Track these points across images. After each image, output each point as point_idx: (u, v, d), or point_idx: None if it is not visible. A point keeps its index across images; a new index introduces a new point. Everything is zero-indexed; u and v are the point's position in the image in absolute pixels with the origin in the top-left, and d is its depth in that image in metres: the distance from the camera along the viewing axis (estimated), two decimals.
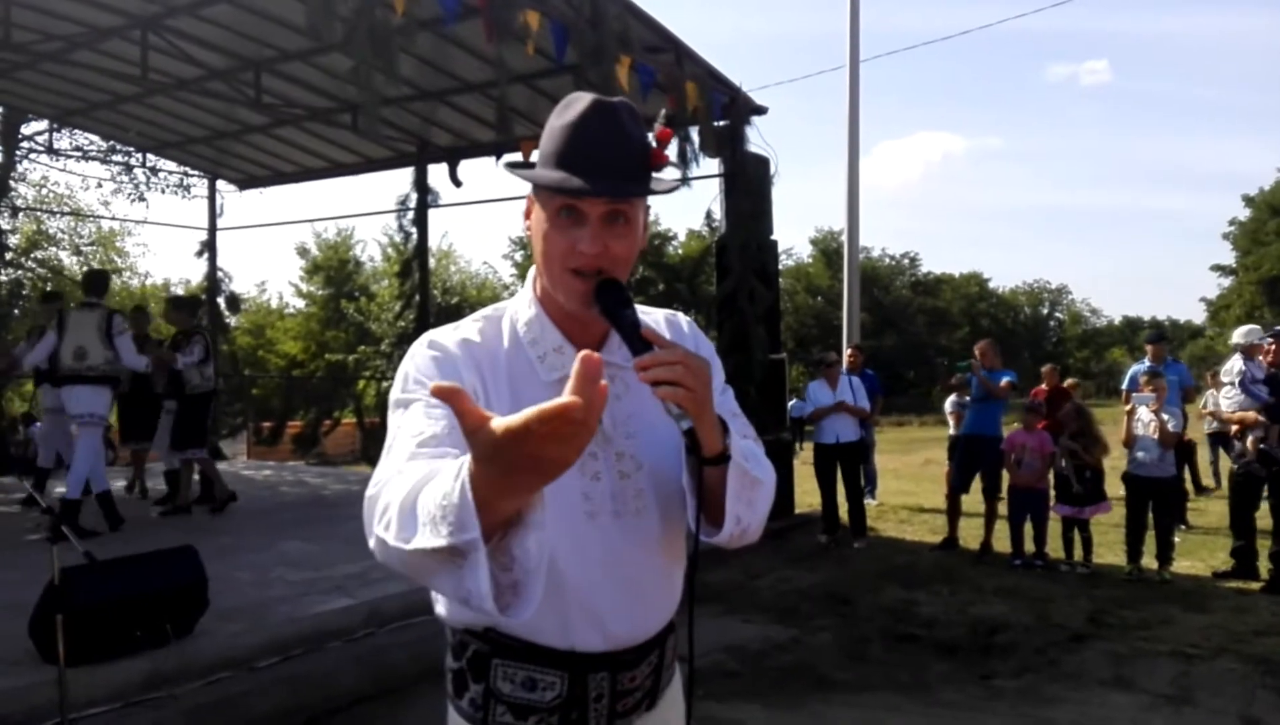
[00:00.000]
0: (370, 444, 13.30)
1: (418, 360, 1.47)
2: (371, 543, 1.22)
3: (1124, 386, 9.83)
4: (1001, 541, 8.22)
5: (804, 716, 4.65)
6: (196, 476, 8.73)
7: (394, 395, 1.45)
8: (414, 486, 1.15)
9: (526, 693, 1.49)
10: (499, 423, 0.97)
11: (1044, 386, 10.17)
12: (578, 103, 1.46)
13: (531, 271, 1.55)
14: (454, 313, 26.99)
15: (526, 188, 1.51)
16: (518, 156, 10.45)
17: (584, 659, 1.50)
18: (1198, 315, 54.47)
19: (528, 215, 1.51)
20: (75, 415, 7.42)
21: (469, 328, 1.53)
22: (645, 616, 1.56)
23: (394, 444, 1.35)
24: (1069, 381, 13.44)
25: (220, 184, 13.37)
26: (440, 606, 1.56)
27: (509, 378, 1.48)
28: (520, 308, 1.54)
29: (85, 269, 24.11)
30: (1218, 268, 45.98)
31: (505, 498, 1.04)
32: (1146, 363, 9.26)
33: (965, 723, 4.57)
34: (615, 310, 1.43)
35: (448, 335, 1.51)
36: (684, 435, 1.37)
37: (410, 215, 12.09)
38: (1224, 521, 9.74)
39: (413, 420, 1.36)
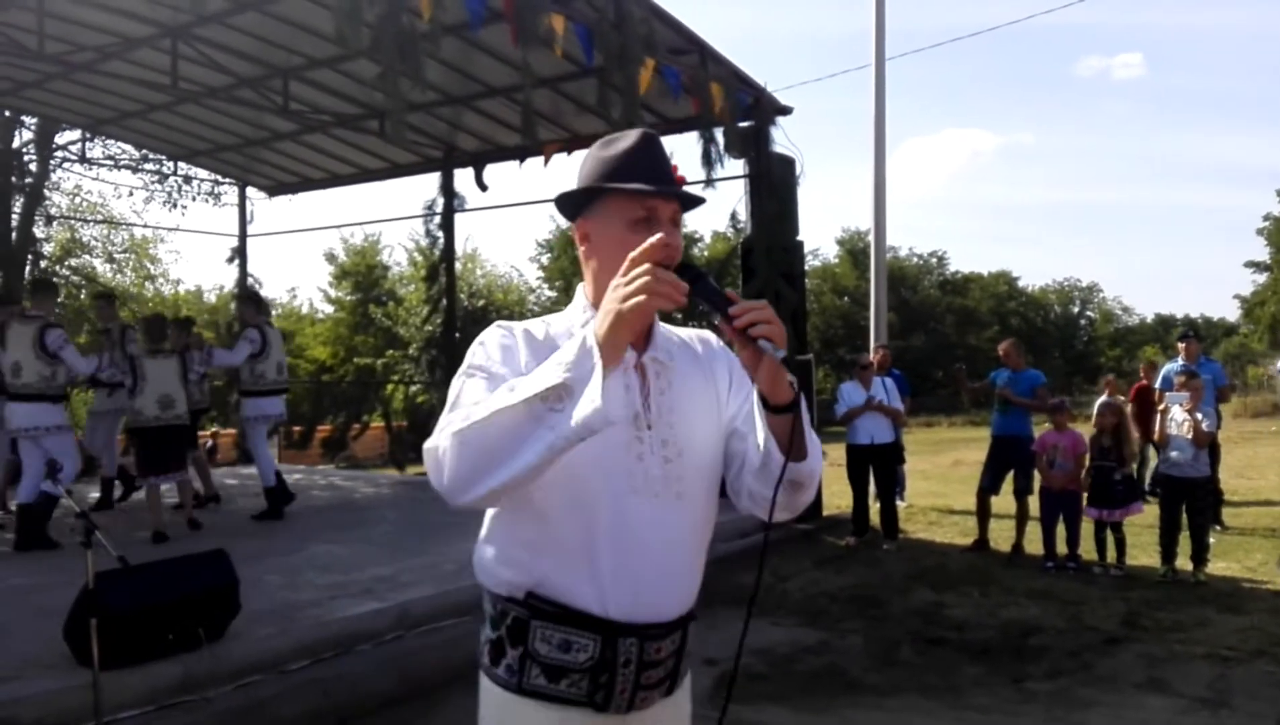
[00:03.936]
0: (398, 447, 13.36)
1: (487, 341, 1.69)
2: (437, 445, 1.50)
3: (1157, 385, 9.71)
4: (1033, 543, 8.14)
5: (832, 720, 4.63)
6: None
7: (464, 364, 1.66)
8: (494, 393, 1.49)
9: (561, 654, 1.64)
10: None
11: (1144, 381, 10.92)
12: (627, 135, 1.71)
13: (580, 288, 1.78)
14: (480, 316, 27.19)
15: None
16: (535, 161, 10.50)
17: (616, 625, 1.65)
18: (1231, 312, 53.66)
19: (585, 238, 1.72)
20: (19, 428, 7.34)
21: (533, 322, 1.74)
22: (673, 593, 1.72)
23: (455, 405, 1.58)
24: (1109, 377, 13.40)
25: (250, 191, 13.51)
26: (486, 575, 1.73)
27: None
28: (574, 315, 1.75)
29: (119, 276, 24.50)
30: (1252, 264, 45.23)
31: (611, 340, 1.40)
32: (1180, 362, 9.14)
33: None
34: (699, 280, 1.57)
35: (515, 323, 1.72)
36: (780, 364, 1.57)
37: (437, 220, 12.17)
38: (1260, 522, 9.63)
39: (473, 389, 1.58)
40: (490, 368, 1.62)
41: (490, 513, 1.76)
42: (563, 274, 36.93)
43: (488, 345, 1.67)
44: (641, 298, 1.39)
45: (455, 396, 1.60)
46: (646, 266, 1.42)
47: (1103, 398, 9.32)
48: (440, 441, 1.50)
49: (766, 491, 1.69)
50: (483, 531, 1.77)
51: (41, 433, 7.23)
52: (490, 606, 1.73)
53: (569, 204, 1.74)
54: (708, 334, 1.89)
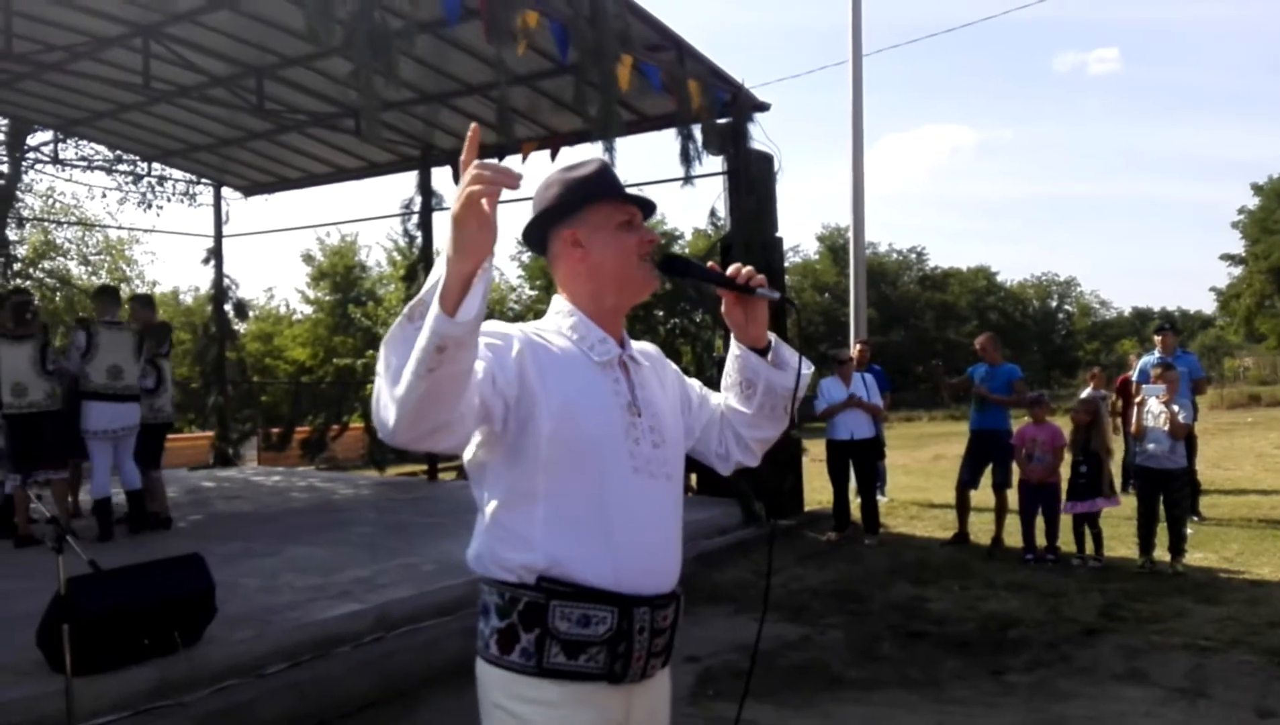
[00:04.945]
0: (378, 448, 13.28)
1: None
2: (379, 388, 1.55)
3: (1134, 378, 9.78)
4: (1013, 536, 8.18)
5: (815, 715, 4.62)
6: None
7: None
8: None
9: (581, 629, 1.73)
10: None
11: (1129, 373, 10.63)
12: (590, 161, 1.95)
13: (557, 298, 1.93)
14: None
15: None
16: (519, 158, 10.46)
17: (629, 597, 1.77)
18: (1208, 305, 54.20)
19: (577, 242, 1.87)
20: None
21: (517, 326, 1.82)
22: (670, 565, 1.88)
23: None
24: (1095, 370, 13.63)
25: (225, 191, 13.39)
26: (492, 564, 1.78)
27: (561, 365, 1.79)
28: (559, 319, 1.90)
29: (94, 278, 24.23)
30: (1227, 257, 45.69)
31: (455, 243, 1.43)
32: (1156, 354, 9.21)
33: (977, 719, 4.54)
34: (688, 266, 1.96)
35: (499, 323, 1.78)
36: (782, 300, 1.98)
37: (415, 219, 12.08)
38: (1236, 512, 9.71)
39: None
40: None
41: (493, 502, 1.79)
42: (543, 272, 36.79)
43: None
44: (472, 189, 1.42)
45: None
46: (473, 164, 1.46)
47: (1086, 391, 9.37)
48: (385, 407, 1.55)
49: (760, 432, 2.03)
50: (484, 523, 1.82)
51: (129, 432, 7.71)
52: (497, 597, 1.77)
53: (556, 213, 1.89)
54: (652, 346, 2.09)
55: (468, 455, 1.81)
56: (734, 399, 2.03)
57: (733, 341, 2.00)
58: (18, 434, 7.29)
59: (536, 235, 1.94)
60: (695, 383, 2.13)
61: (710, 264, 1.96)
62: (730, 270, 1.91)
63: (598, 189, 1.89)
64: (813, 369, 2.03)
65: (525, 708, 1.75)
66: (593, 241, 1.88)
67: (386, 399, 1.51)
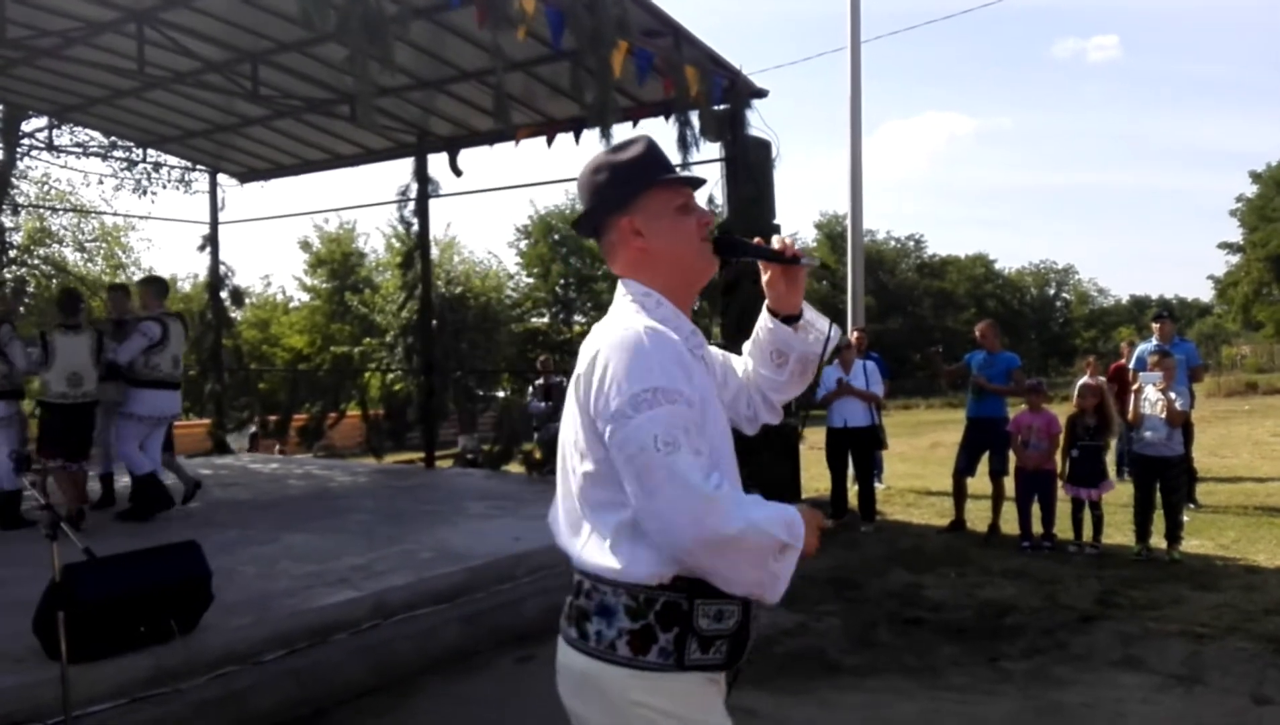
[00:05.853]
0: (375, 436, 13.26)
1: (659, 357, 1.72)
2: (728, 523, 1.66)
3: (1131, 365, 9.77)
4: (1009, 523, 8.19)
5: (812, 702, 4.63)
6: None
7: (643, 382, 1.69)
8: (759, 509, 1.72)
9: (716, 623, 1.80)
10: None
11: (1123, 361, 10.83)
12: (636, 141, 1.91)
13: (635, 285, 1.87)
14: (458, 303, 26.91)
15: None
16: (511, 145, 10.43)
17: None
18: (1205, 293, 54.21)
19: (637, 232, 1.85)
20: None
21: (660, 329, 1.78)
22: None
23: (674, 441, 1.65)
24: (1090, 358, 13.68)
25: (221, 177, 13.32)
26: (629, 570, 1.77)
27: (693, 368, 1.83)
28: (655, 312, 1.84)
29: (89, 265, 24.17)
30: (1225, 245, 45.68)
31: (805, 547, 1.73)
32: (1154, 342, 9.20)
33: (973, 706, 4.55)
34: (743, 245, 1.96)
35: (659, 333, 1.76)
36: (821, 266, 2.07)
37: (411, 206, 12.02)
38: (1233, 500, 9.73)
39: (684, 417, 1.69)
40: (683, 390, 1.71)
41: (618, 517, 1.77)
42: (540, 260, 36.78)
43: (663, 362, 1.72)
44: (814, 545, 1.74)
45: (668, 425, 1.66)
46: (814, 527, 1.77)
47: (1083, 379, 9.38)
48: (711, 518, 1.64)
49: (789, 393, 2.10)
50: (614, 527, 1.78)
51: (171, 419, 8.16)
52: (628, 599, 1.77)
53: (612, 203, 1.86)
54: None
55: (599, 456, 1.76)
56: (764, 367, 2.07)
57: (764, 315, 2.03)
58: (68, 422, 7.41)
59: (589, 224, 1.91)
60: (716, 352, 2.10)
61: (756, 240, 1.98)
62: (776, 243, 1.94)
63: (652, 173, 1.85)
64: (840, 332, 2.12)
65: (673, 701, 1.78)
66: (653, 230, 1.85)
67: (712, 552, 1.67)
